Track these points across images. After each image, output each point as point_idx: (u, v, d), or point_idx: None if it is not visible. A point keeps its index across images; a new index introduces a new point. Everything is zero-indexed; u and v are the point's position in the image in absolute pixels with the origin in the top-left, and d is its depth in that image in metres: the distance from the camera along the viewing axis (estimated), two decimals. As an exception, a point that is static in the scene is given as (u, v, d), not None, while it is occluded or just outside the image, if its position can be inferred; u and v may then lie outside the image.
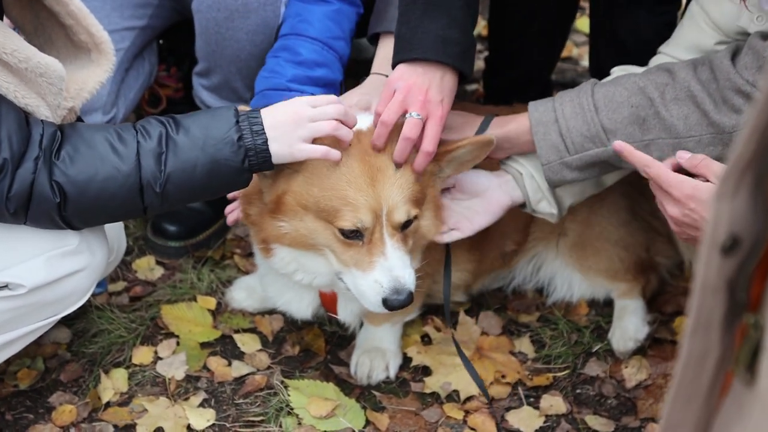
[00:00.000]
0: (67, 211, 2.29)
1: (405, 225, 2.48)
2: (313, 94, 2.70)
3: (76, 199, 2.28)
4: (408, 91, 2.48)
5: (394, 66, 2.56)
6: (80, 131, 2.32)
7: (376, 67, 2.84)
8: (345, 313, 2.84)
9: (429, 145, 2.47)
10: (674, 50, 2.61)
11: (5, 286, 2.35)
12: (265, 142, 2.34)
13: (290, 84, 2.83)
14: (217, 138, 2.34)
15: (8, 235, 2.36)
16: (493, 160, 2.70)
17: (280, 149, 2.35)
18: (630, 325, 3.01)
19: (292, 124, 2.37)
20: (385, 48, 2.80)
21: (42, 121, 2.28)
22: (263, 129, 2.35)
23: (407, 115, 2.46)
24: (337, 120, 2.40)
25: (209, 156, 2.33)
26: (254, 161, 2.35)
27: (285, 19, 3.00)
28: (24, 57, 2.24)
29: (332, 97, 2.47)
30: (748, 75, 2.32)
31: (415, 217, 2.50)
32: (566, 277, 3.11)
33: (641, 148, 2.44)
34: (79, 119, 2.51)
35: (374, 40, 2.94)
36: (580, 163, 2.53)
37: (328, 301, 2.80)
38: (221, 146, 2.33)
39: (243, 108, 2.45)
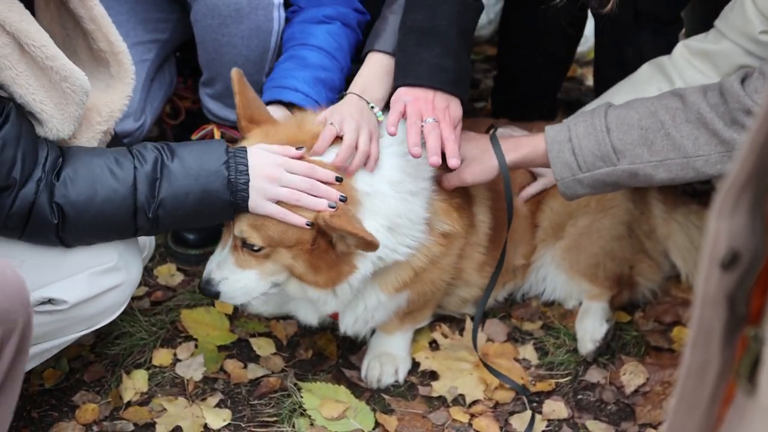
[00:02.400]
0: (64, 231, 2.29)
1: (249, 245, 2.50)
2: (318, 101, 2.75)
3: (75, 220, 2.28)
4: (416, 103, 2.54)
5: (395, 86, 2.61)
6: (80, 155, 2.31)
7: (355, 88, 2.75)
8: (347, 320, 2.82)
9: (448, 132, 2.53)
10: (727, 29, 2.66)
11: (48, 301, 2.33)
12: (247, 182, 2.37)
13: (298, 84, 2.82)
14: (210, 170, 2.34)
15: (52, 252, 2.35)
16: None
17: (252, 198, 2.40)
18: (589, 327, 3.01)
19: (266, 178, 2.39)
20: (367, 66, 2.78)
21: (45, 141, 2.26)
22: (247, 169, 2.38)
23: (423, 121, 2.52)
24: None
25: (201, 186, 2.34)
26: (236, 199, 2.38)
27: (287, 39, 3.01)
28: (51, 54, 2.22)
29: (307, 167, 2.45)
30: (757, 98, 2.33)
31: (260, 248, 2.48)
32: (555, 279, 3.12)
33: (651, 168, 2.47)
34: (116, 137, 2.51)
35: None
36: (592, 180, 2.54)
37: None
38: (214, 178, 2.34)
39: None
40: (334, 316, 2.81)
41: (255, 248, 2.50)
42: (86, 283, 2.38)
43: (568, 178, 2.56)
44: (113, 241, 2.44)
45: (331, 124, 2.54)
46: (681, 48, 2.77)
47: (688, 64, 2.75)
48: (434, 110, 2.54)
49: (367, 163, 2.54)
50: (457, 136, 2.58)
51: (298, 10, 3.04)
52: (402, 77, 2.61)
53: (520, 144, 2.66)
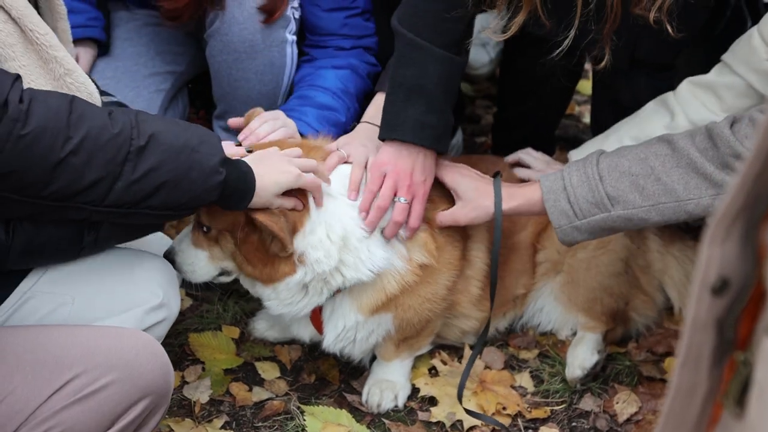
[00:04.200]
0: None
1: (200, 225, 2.59)
2: (320, 131, 2.83)
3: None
4: (396, 177, 2.65)
5: (380, 138, 2.70)
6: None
7: (366, 117, 2.88)
8: (328, 336, 2.81)
9: (414, 221, 2.67)
10: (733, 60, 2.68)
11: None
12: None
13: (304, 117, 2.90)
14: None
15: (102, 290, 2.38)
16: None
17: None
18: (580, 354, 3.01)
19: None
20: (376, 102, 2.88)
21: None
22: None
23: (396, 199, 2.64)
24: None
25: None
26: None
27: (297, 80, 3.07)
28: (55, 44, 2.18)
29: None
30: (748, 144, 2.35)
31: (207, 228, 2.57)
32: (552, 310, 3.12)
33: (644, 213, 2.51)
34: None
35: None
36: (589, 227, 2.57)
37: (315, 319, 2.81)
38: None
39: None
40: (320, 328, 2.81)
41: (206, 230, 2.58)
42: (135, 320, 2.38)
43: (566, 226, 2.59)
44: (156, 278, 2.46)
45: (338, 149, 2.68)
46: (686, 83, 2.79)
47: (693, 97, 2.75)
48: (410, 186, 2.65)
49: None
50: (423, 209, 2.68)
51: (311, 59, 3.11)
52: (388, 131, 2.70)
53: (516, 193, 2.69)
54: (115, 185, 2.12)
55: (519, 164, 3.05)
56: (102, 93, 2.47)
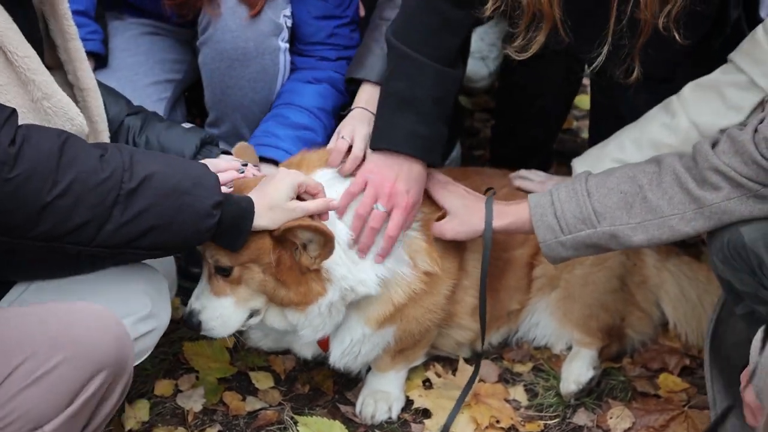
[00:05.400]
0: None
1: (220, 270, 2.53)
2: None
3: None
4: (378, 184, 2.67)
5: (371, 147, 2.74)
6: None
7: (358, 103, 2.94)
8: (335, 352, 2.83)
9: (391, 230, 2.66)
10: (738, 57, 2.71)
11: None
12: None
13: (279, 142, 2.97)
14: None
15: (100, 298, 2.35)
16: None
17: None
18: (575, 369, 3.04)
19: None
20: (364, 93, 2.94)
21: None
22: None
23: (374, 207, 2.65)
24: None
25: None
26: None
27: (280, 94, 3.13)
28: (34, 68, 2.17)
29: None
30: (725, 158, 2.39)
31: (230, 268, 2.51)
32: (547, 325, 3.15)
33: (629, 230, 2.53)
34: None
35: (351, 83, 3.05)
36: (574, 243, 2.59)
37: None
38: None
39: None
40: (324, 346, 2.82)
41: (226, 273, 2.52)
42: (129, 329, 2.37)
43: (551, 241, 2.61)
44: (145, 289, 2.45)
45: (343, 137, 2.75)
46: (689, 85, 2.81)
47: (695, 98, 2.78)
48: (391, 196, 2.66)
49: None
50: (409, 222, 2.73)
51: (293, 69, 3.16)
52: (378, 140, 2.74)
53: (506, 212, 2.73)
54: (104, 227, 2.16)
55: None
56: (129, 106, 2.63)
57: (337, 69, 3.17)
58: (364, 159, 2.74)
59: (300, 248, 2.51)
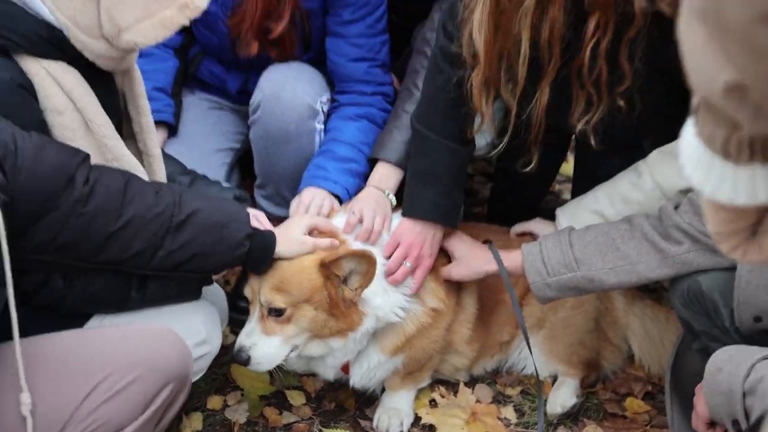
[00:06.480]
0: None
1: (273, 311, 2.67)
2: (347, 187, 3.14)
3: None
4: (409, 246, 2.94)
5: (403, 215, 3.01)
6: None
7: (372, 182, 3.14)
8: (355, 375, 3.01)
9: (414, 288, 2.93)
10: None
11: None
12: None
13: (328, 174, 3.15)
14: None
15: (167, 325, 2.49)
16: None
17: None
18: (561, 395, 3.20)
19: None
20: (379, 171, 3.16)
21: None
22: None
23: (404, 263, 2.91)
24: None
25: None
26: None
27: (327, 130, 3.29)
28: (108, 134, 2.31)
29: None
30: (686, 217, 2.58)
31: (284, 310, 2.65)
32: (535, 358, 3.21)
33: (603, 274, 2.72)
34: None
35: (373, 162, 3.24)
36: (557, 285, 2.78)
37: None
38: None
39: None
40: (345, 370, 3.01)
41: (279, 313, 2.66)
42: None
43: (539, 282, 2.80)
44: (202, 320, 2.58)
45: (353, 213, 2.97)
46: (655, 152, 2.93)
47: (659, 161, 2.89)
48: (419, 257, 2.92)
49: (370, 237, 2.96)
50: (424, 276, 2.97)
51: (338, 106, 3.38)
52: (409, 209, 3.01)
53: (505, 258, 2.94)
54: (157, 254, 2.34)
55: (525, 233, 3.27)
56: (182, 168, 2.84)
57: (374, 103, 3.32)
58: (372, 227, 2.94)
59: (341, 283, 2.70)
